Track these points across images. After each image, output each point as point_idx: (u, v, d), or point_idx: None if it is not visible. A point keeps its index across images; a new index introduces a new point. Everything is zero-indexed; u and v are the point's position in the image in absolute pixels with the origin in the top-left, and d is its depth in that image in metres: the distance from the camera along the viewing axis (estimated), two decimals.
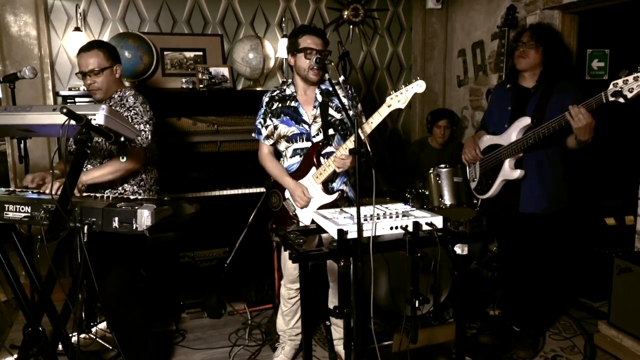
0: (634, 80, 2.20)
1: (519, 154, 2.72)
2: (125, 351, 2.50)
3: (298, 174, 2.63)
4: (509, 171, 2.75)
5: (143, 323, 2.60)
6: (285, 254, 2.74)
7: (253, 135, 2.77)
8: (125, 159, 2.56)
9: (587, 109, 2.36)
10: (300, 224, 2.61)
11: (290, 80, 2.73)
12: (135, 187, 2.60)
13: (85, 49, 2.52)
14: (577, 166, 3.67)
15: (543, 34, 2.72)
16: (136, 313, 2.57)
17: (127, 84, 3.61)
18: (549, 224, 2.82)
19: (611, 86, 2.27)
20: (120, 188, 2.56)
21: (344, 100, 2.51)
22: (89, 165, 2.56)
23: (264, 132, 2.70)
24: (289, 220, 2.66)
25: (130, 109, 2.54)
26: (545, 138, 2.56)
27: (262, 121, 2.70)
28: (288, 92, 2.67)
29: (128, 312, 2.54)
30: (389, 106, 2.32)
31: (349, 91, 2.62)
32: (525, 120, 2.67)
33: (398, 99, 2.29)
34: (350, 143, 2.41)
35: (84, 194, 2.18)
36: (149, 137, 2.55)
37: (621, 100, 2.24)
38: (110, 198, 2.04)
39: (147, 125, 2.55)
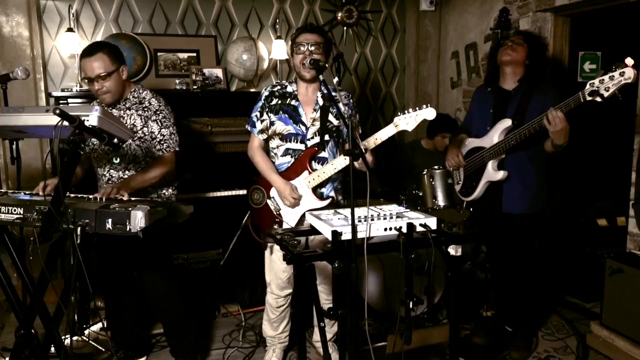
0: (610, 80, 2.24)
1: (501, 156, 2.75)
2: (171, 341, 2.85)
3: (288, 175, 2.60)
4: (493, 173, 2.78)
5: (185, 314, 2.79)
6: (274, 258, 2.73)
7: (246, 127, 2.73)
8: (118, 160, 2.57)
9: (565, 108, 2.40)
10: (284, 225, 2.61)
11: (292, 80, 2.70)
12: (171, 188, 2.73)
13: (88, 53, 2.44)
14: (567, 167, 3.71)
15: (532, 38, 2.81)
16: (179, 306, 2.75)
17: None
18: (531, 223, 2.85)
19: (588, 86, 2.30)
20: (162, 191, 2.68)
21: (341, 107, 2.49)
22: (112, 171, 2.62)
23: (259, 125, 2.65)
24: (271, 219, 2.64)
25: (158, 112, 2.61)
26: (526, 139, 2.59)
27: (258, 114, 2.65)
28: (290, 89, 2.64)
29: (172, 306, 2.74)
30: (396, 126, 2.36)
31: (350, 100, 2.65)
32: (506, 122, 2.70)
33: (406, 122, 2.33)
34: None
35: (79, 195, 2.18)
36: (177, 138, 2.66)
37: (598, 99, 2.27)
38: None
39: (175, 127, 2.66)
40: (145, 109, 2.59)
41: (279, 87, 2.66)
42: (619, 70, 2.22)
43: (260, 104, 2.65)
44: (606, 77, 2.24)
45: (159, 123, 2.59)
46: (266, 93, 2.65)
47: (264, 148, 2.73)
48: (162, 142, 2.60)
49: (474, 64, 4.33)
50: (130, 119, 2.57)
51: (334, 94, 2.58)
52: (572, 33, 3.68)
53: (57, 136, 1.73)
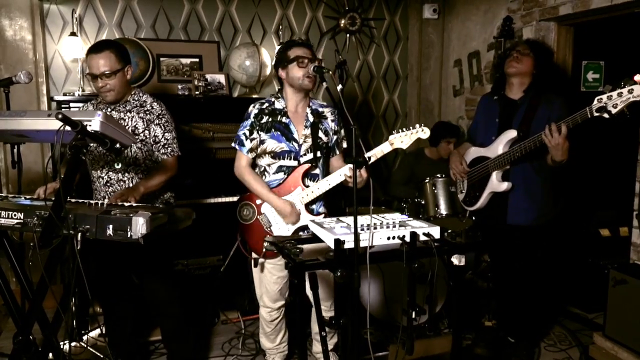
0: (618, 96, 2.20)
1: (506, 167, 2.73)
2: (169, 346, 2.82)
3: (280, 191, 2.57)
4: (497, 183, 2.76)
5: (185, 320, 2.77)
6: (264, 272, 2.69)
7: (233, 145, 2.63)
8: (120, 165, 2.55)
9: (572, 123, 2.37)
10: None
11: (278, 95, 2.63)
12: (169, 191, 2.73)
13: (96, 50, 2.45)
14: (568, 178, 3.69)
15: (538, 46, 2.78)
16: (179, 311, 2.74)
17: None
18: (536, 235, 2.83)
19: (595, 102, 2.27)
20: (160, 194, 2.67)
21: (348, 117, 2.46)
22: (110, 173, 2.60)
23: (248, 144, 2.57)
24: (261, 236, 2.55)
25: (161, 116, 2.60)
26: (531, 151, 2.57)
27: (247, 133, 2.56)
28: (278, 106, 2.58)
29: (173, 311, 2.72)
30: (391, 144, 2.36)
31: (336, 115, 2.66)
32: (512, 133, 2.68)
33: (401, 140, 2.35)
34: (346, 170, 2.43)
35: (79, 201, 2.16)
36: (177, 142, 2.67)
37: (605, 115, 2.24)
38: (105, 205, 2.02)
39: (176, 132, 2.65)
40: (147, 112, 2.58)
41: (267, 104, 2.59)
42: (627, 87, 2.18)
43: (249, 122, 2.57)
44: (614, 94, 2.21)
45: (162, 127, 2.58)
46: (255, 111, 2.58)
47: (251, 165, 2.66)
48: (166, 146, 2.60)
49: (476, 72, 4.33)
50: (131, 121, 2.55)
51: (319, 109, 2.59)
52: (575, 42, 3.68)
53: (59, 141, 1.71)
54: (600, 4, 3.10)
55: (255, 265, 2.69)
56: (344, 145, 2.71)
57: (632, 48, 3.94)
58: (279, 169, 2.58)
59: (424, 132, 2.31)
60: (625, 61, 3.88)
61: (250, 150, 2.59)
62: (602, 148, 4.08)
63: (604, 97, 2.24)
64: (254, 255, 2.65)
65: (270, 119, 2.56)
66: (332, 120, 2.64)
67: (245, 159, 2.61)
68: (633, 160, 3.05)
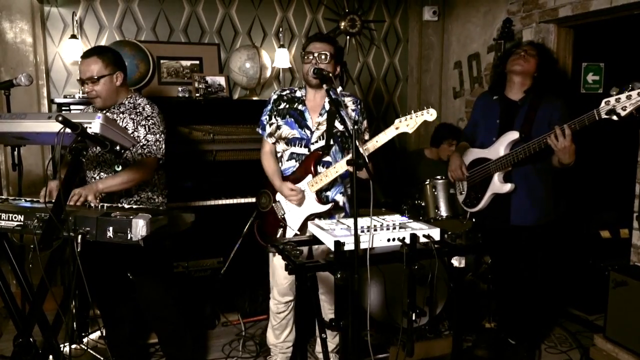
0: (627, 99, 2.19)
1: (508, 168, 2.73)
2: (166, 350, 2.78)
3: (293, 179, 2.61)
4: (499, 185, 2.76)
5: (181, 323, 2.72)
6: (275, 264, 2.73)
7: (257, 130, 2.75)
8: (121, 167, 2.55)
9: (579, 125, 2.37)
10: (288, 229, 2.62)
11: (302, 85, 2.73)
12: (149, 192, 2.64)
13: (84, 55, 2.50)
14: (570, 179, 3.69)
15: (543, 50, 2.80)
16: (175, 314, 2.70)
17: None
18: (539, 235, 2.82)
19: (603, 104, 2.26)
20: (135, 196, 2.60)
21: (345, 115, 2.49)
22: (102, 174, 2.58)
23: (268, 129, 2.69)
24: (276, 223, 2.66)
25: (149, 118, 2.57)
26: (535, 153, 2.57)
27: (267, 118, 2.69)
28: (298, 94, 2.67)
29: (167, 314, 2.68)
30: (396, 128, 2.36)
31: (359, 106, 2.65)
32: (513, 135, 2.68)
33: (407, 124, 2.33)
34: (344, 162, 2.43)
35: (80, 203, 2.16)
36: (163, 147, 2.61)
37: (615, 118, 2.23)
38: (107, 206, 2.02)
39: (162, 135, 2.61)
40: (138, 114, 2.57)
41: (287, 92, 2.69)
42: (636, 89, 2.17)
43: (269, 107, 2.69)
44: (623, 96, 2.20)
45: (147, 128, 2.55)
46: (274, 97, 2.69)
47: (275, 152, 2.74)
48: (144, 147, 2.54)
49: (476, 74, 4.33)
50: (122, 122, 2.55)
51: (339, 98, 2.59)
52: (575, 44, 3.69)
53: (59, 143, 1.72)
54: (599, 5, 3.10)
55: (268, 252, 2.76)
56: (366, 136, 2.69)
57: (632, 50, 3.94)
58: (291, 156, 2.63)
59: (430, 115, 2.26)
60: (625, 63, 3.88)
61: (270, 134, 2.69)
62: (602, 150, 4.08)
63: (612, 99, 2.23)
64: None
65: (287, 106, 2.64)
66: (353, 110, 2.64)
67: (268, 144, 2.73)
68: (633, 161, 3.05)
